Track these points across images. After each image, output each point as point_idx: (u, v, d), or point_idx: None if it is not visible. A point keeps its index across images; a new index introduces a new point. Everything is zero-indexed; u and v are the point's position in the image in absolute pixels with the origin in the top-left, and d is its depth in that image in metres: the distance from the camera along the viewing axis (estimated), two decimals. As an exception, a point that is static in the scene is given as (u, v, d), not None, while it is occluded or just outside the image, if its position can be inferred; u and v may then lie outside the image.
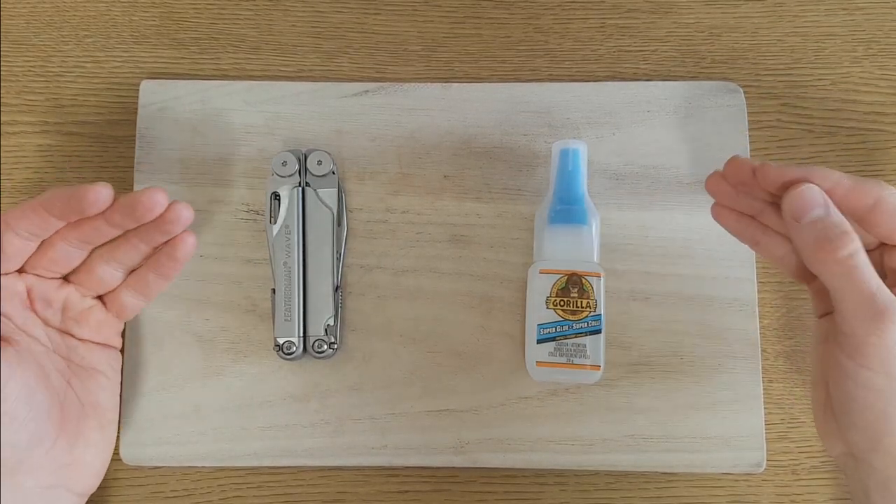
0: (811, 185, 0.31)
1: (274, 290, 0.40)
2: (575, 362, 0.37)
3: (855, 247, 0.30)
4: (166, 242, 0.35)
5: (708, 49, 0.45)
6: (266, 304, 0.41)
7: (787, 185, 0.32)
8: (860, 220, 0.31)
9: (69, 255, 0.35)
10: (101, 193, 0.32)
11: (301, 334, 0.40)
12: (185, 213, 0.34)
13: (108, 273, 0.36)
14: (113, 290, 0.37)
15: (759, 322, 0.41)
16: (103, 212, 0.32)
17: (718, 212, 0.36)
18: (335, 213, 0.41)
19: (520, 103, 0.43)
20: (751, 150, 0.42)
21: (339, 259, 0.41)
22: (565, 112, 0.43)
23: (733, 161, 0.34)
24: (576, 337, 0.37)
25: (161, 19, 0.45)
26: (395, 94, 0.43)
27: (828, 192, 0.31)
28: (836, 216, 0.31)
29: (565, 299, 0.37)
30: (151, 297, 0.37)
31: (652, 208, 0.42)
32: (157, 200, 0.32)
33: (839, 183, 0.31)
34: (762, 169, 0.32)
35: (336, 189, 0.41)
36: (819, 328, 0.35)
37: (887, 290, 0.29)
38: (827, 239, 0.30)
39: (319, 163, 0.41)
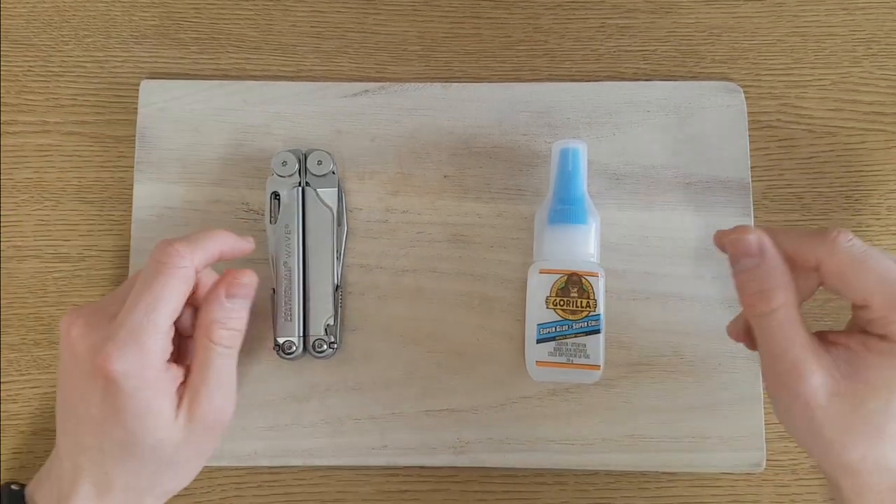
0: (755, 233, 0.31)
1: (274, 290, 0.40)
2: (575, 362, 0.37)
3: (773, 306, 0.30)
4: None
5: (708, 49, 0.45)
6: (266, 304, 0.41)
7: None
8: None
9: None
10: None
11: (301, 334, 0.40)
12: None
13: None
14: None
15: (759, 322, 0.41)
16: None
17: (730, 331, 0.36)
18: (335, 213, 0.41)
19: (520, 103, 0.43)
20: (751, 150, 0.42)
21: (339, 259, 0.41)
22: (565, 112, 0.43)
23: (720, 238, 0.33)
24: (576, 337, 0.37)
25: (161, 19, 0.45)
26: (395, 94, 0.43)
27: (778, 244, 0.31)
28: (767, 269, 0.31)
29: (565, 299, 0.37)
30: None
31: (652, 208, 0.42)
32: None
33: (783, 243, 0.31)
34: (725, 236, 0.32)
35: (336, 189, 0.41)
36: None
37: (799, 349, 0.29)
38: (749, 292, 0.31)
39: (319, 163, 0.41)
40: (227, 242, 0.35)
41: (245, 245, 0.36)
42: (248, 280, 0.35)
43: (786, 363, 0.30)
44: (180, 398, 0.32)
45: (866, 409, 0.28)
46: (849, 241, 0.30)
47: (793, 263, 0.31)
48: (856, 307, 0.30)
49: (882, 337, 0.29)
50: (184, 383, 0.33)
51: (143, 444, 0.31)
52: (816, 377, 0.29)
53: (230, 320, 0.34)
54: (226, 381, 0.34)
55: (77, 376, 0.32)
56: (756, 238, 0.31)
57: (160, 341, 0.32)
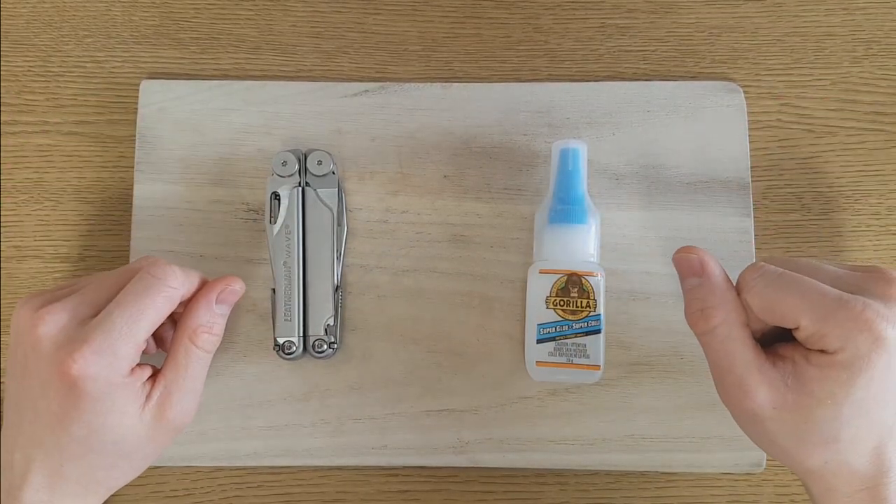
0: (698, 253, 0.32)
1: (274, 290, 0.40)
2: (575, 362, 0.37)
3: (712, 325, 0.31)
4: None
5: (708, 49, 0.45)
6: (266, 304, 0.41)
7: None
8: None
9: None
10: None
11: (301, 334, 0.40)
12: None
13: None
14: None
15: (759, 322, 0.41)
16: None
17: None
18: (335, 213, 0.41)
19: (520, 103, 0.43)
20: (751, 150, 0.42)
21: (339, 259, 0.41)
22: (565, 112, 0.43)
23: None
24: (576, 337, 0.37)
25: (161, 19, 0.45)
26: (395, 94, 0.43)
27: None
28: (708, 288, 0.31)
29: (565, 299, 0.37)
30: None
31: (652, 208, 0.42)
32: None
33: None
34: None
35: (336, 189, 0.41)
36: None
37: (742, 366, 0.30)
38: (690, 310, 0.32)
39: (319, 163, 0.41)
40: (216, 289, 0.35)
41: (235, 289, 0.36)
42: (240, 287, 0.36)
43: (731, 378, 0.30)
44: (147, 396, 0.33)
45: (816, 420, 0.29)
46: (756, 276, 0.30)
47: None
48: (793, 330, 0.30)
49: (820, 351, 0.29)
50: (151, 379, 0.33)
51: (104, 441, 0.32)
52: (761, 393, 0.29)
53: (216, 325, 0.35)
54: (199, 385, 0.34)
55: (38, 372, 0.31)
56: (698, 257, 0.32)
57: (133, 352, 0.32)
